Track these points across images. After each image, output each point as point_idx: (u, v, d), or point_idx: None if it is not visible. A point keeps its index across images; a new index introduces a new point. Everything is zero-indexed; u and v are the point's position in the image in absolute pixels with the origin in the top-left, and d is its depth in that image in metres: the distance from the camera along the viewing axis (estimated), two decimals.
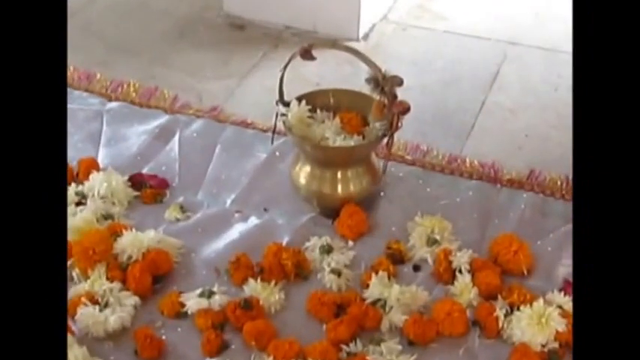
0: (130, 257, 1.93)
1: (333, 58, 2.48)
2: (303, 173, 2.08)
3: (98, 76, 2.58)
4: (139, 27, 2.98)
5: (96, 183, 2.12)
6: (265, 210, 2.12)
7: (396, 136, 2.01)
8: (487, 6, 3.15)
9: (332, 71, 2.62)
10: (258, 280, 1.90)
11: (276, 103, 2.07)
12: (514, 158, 2.36)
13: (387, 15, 3.07)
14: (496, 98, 2.65)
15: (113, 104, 2.47)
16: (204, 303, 1.85)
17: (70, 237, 1.92)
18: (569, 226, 2.04)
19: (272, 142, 2.16)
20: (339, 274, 1.93)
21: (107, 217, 2.06)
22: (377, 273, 1.90)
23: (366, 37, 2.94)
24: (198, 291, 1.88)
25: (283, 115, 2.06)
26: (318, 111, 2.10)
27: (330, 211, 2.07)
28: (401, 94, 1.97)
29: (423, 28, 3.02)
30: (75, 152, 2.22)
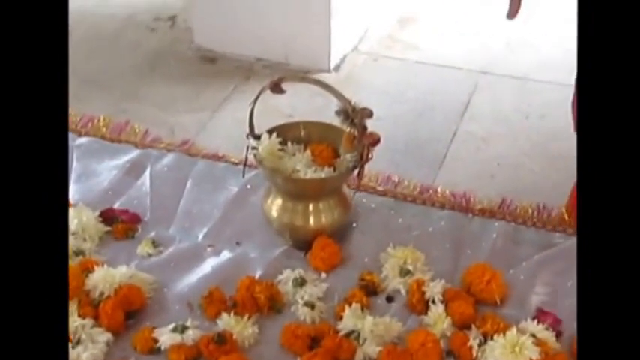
0: (102, 293, 1.91)
1: (305, 90, 2.48)
2: (275, 206, 2.07)
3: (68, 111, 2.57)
4: (109, 61, 2.98)
5: None
6: (238, 243, 2.12)
7: (368, 166, 2.02)
8: (458, 36, 3.17)
9: (304, 102, 2.62)
10: (232, 313, 1.89)
11: (247, 137, 2.07)
12: (487, 187, 2.37)
13: (358, 46, 3.09)
14: (468, 127, 2.66)
15: (83, 140, 2.46)
16: (177, 338, 1.84)
17: None
18: (542, 255, 2.05)
19: (243, 176, 2.16)
20: (312, 306, 1.92)
21: (78, 253, 2.05)
22: (350, 304, 1.90)
23: (337, 68, 2.95)
24: (172, 326, 1.86)
25: (254, 148, 2.06)
26: (289, 143, 2.10)
27: (303, 243, 2.07)
28: (373, 124, 1.97)
29: (394, 59, 3.04)
30: None
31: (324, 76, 2.79)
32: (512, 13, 1.95)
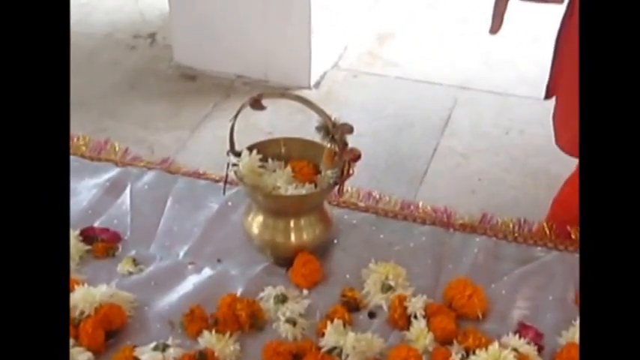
0: (82, 312, 1.90)
1: (285, 107, 2.49)
2: (256, 223, 2.07)
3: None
4: (88, 80, 2.98)
5: None
6: (219, 261, 2.11)
7: (349, 183, 2.01)
8: (437, 52, 3.19)
9: (284, 119, 2.62)
10: (213, 331, 1.88)
11: (227, 154, 2.07)
12: (468, 202, 2.38)
13: (338, 62, 3.10)
14: (448, 143, 2.67)
15: None
16: (158, 357, 1.82)
17: None
18: (523, 269, 2.05)
19: (224, 193, 2.15)
20: (294, 323, 1.91)
21: None
22: (332, 321, 1.89)
23: (317, 84, 2.96)
24: (153, 345, 1.85)
25: (235, 165, 2.05)
26: (270, 160, 2.10)
27: (284, 260, 2.06)
28: (353, 140, 1.97)
29: (374, 75, 3.05)
30: None
31: (304, 93, 2.80)
32: (495, 28, 1.96)
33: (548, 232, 2.18)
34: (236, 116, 2.02)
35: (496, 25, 1.96)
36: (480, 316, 1.93)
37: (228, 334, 1.88)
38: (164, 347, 1.84)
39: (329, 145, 1.99)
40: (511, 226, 2.22)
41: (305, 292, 2.01)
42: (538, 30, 3.23)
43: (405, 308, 1.93)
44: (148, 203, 2.27)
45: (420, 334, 1.88)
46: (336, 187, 2.00)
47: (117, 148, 2.51)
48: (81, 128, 2.61)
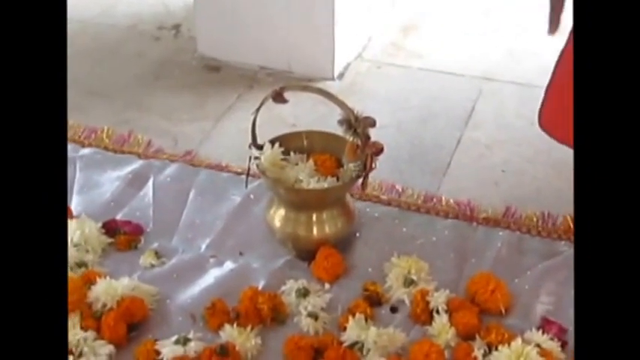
0: (104, 305, 1.91)
1: (308, 99, 2.47)
2: (278, 216, 2.07)
3: (71, 122, 2.54)
4: (112, 71, 2.97)
5: (69, 230, 2.09)
6: (241, 254, 2.11)
7: (371, 175, 2.00)
8: (461, 43, 3.16)
9: (307, 111, 2.61)
10: (235, 325, 1.88)
11: (250, 147, 2.06)
12: (491, 194, 2.36)
13: (362, 53, 3.08)
14: (472, 134, 2.65)
15: (86, 150, 2.45)
16: (179, 350, 1.83)
17: None
18: (546, 264, 2.04)
19: (246, 186, 2.15)
20: (315, 317, 1.91)
21: (81, 265, 2.04)
22: (354, 315, 1.89)
23: (341, 76, 2.94)
24: (174, 338, 1.85)
25: (257, 158, 2.05)
26: (292, 153, 2.09)
27: (306, 253, 2.06)
28: (377, 132, 1.97)
29: (398, 66, 3.03)
30: None
31: (327, 84, 2.78)
32: (553, 28, 1.93)
33: (572, 225, 2.16)
34: (257, 110, 2.02)
35: (554, 26, 1.93)
36: (503, 311, 1.92)
37: (249, 328, 1.88)
38: (185, 341, 1.85)
39: (351, 139, 1.98)
40: (535, 220, 2.21)
41: (327, 285, 2.01)
42: (562, 21, 3.21)
43: (428, 303, 1.93)
44: (170, 196, 2.28)
45: (442, 329, 1.87)
46: (360, 181, 2.00)
47: (140, 141, 2.51)
48: (105, 119, 2.61)
